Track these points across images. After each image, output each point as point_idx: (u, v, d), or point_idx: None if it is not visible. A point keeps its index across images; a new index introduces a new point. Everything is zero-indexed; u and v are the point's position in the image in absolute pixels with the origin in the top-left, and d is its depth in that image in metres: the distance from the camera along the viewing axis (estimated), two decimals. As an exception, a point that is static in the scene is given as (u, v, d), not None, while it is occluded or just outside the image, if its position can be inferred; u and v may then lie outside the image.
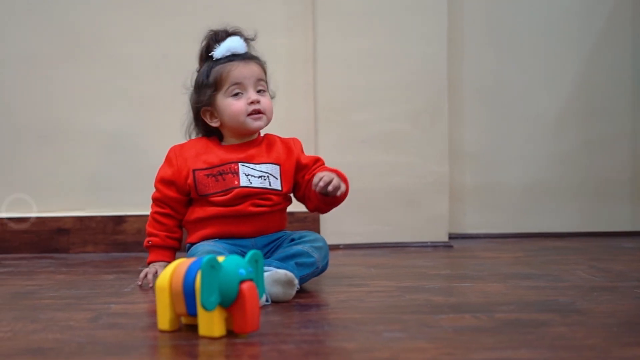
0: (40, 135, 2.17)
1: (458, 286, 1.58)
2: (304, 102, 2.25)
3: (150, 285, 1.58)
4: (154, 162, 1.69)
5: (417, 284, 1.60)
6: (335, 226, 2.23)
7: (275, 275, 1.42)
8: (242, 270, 1.17)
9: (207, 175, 1.58)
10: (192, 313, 1.19)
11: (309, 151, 2.24)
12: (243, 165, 1.58)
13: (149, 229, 1.64)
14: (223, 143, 1.64)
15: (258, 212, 1.57)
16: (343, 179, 1.57)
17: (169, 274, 1.21)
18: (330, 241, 2.21)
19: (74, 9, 2.19)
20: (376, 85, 2.23)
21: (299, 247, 1.53)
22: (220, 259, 1.18)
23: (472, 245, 2.27)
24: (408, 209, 2.25)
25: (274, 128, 2.26)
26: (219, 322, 1.16)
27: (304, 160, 1.65)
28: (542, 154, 2.44)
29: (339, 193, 1.53)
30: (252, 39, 1.69)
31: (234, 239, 1.57)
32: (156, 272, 1.60)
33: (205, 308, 1.14)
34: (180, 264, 1.22)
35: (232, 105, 1.59)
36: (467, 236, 2.41)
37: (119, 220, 2.15)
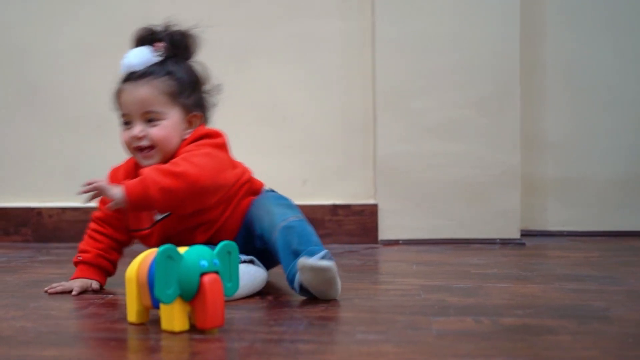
0: (96, 125, 2.18)
1: (490, 286, 1.41)
2: (361, 89, 2.13)
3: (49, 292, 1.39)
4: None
5: (446, 283, 1.45)
6: (395, 220, 2.09)
7: (321, 275, 1.25)
8: (204, 262, 1.09)
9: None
10: (157, 306, 1.12)
11: (367, 141, 2.13)
12: None
13: (80, 246, 1.46)
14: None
15: (199, 236, 1.41)
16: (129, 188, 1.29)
17: (136, 264, 1.15)
18: (389, 236, 2.09)
19: (128, -1, 2.20)
20: (440, 70, 2.07)
21: (282, 233, 1.33)
22: (182, 249, 1.10)
23: (548, 243, 2.06)
24: (474, 203, 2.07)
25: (330, 117, 2.16)
26: (179, 316, 1.09)
27: None
28: (635, 143, 2.18)
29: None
30: (178, 44, 1.43)
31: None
32: (72, 291, 1.38)
33: (161, 301, 1.07)
34: (148, 254, 1.16)
35: (122, 135, 1.41)
36: (547, 233, 2.19)
37: (172, 211, 2.11)
